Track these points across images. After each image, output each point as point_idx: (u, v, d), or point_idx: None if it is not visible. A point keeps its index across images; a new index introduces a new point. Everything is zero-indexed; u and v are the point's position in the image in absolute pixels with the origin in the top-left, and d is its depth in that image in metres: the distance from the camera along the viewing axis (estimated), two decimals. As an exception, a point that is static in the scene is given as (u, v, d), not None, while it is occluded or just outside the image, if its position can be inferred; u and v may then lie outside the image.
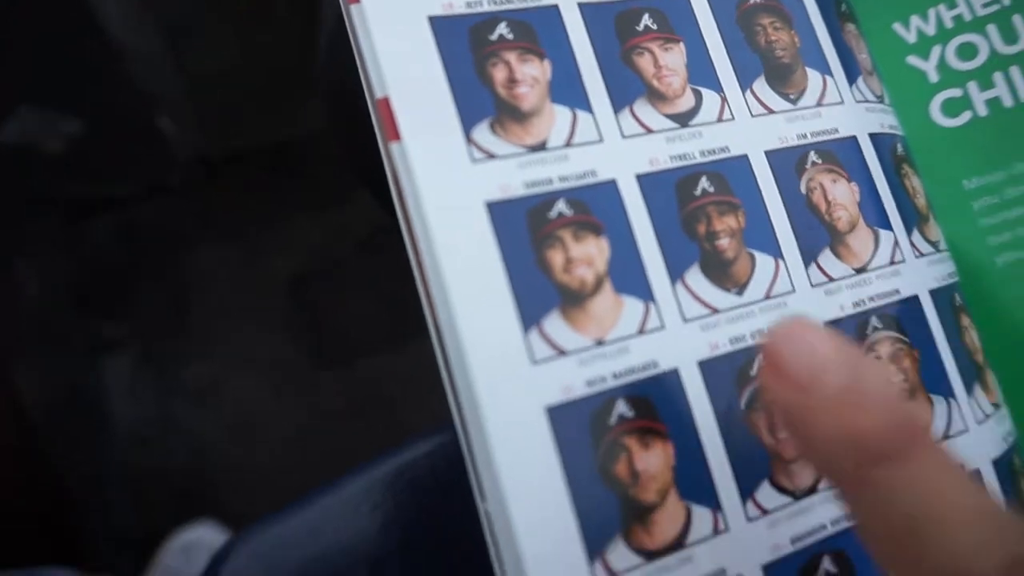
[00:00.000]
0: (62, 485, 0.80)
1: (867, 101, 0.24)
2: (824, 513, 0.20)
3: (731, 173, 0.21)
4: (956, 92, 0.27)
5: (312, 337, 0.95)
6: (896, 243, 0.23)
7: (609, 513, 0.18)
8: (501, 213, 0.18)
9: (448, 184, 0.18)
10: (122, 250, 1.00)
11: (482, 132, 0.19)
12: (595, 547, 0.17)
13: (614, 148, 0.20)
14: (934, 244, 0.24)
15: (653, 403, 0.19)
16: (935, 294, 0.23)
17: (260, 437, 0.85)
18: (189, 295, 0.98)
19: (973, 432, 0.22)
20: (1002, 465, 0.22)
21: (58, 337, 0.93)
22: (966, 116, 0.27)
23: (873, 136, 0.23)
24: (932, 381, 0.22)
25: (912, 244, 0.23)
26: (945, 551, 0.12)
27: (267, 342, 0.95)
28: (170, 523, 0.78)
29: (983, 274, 0.26)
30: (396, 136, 0.18)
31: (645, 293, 0.19)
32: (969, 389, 0.23)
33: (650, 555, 0.18)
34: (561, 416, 0.18)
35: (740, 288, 0.20)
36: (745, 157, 0.21)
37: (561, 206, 0.19)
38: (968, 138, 0.27)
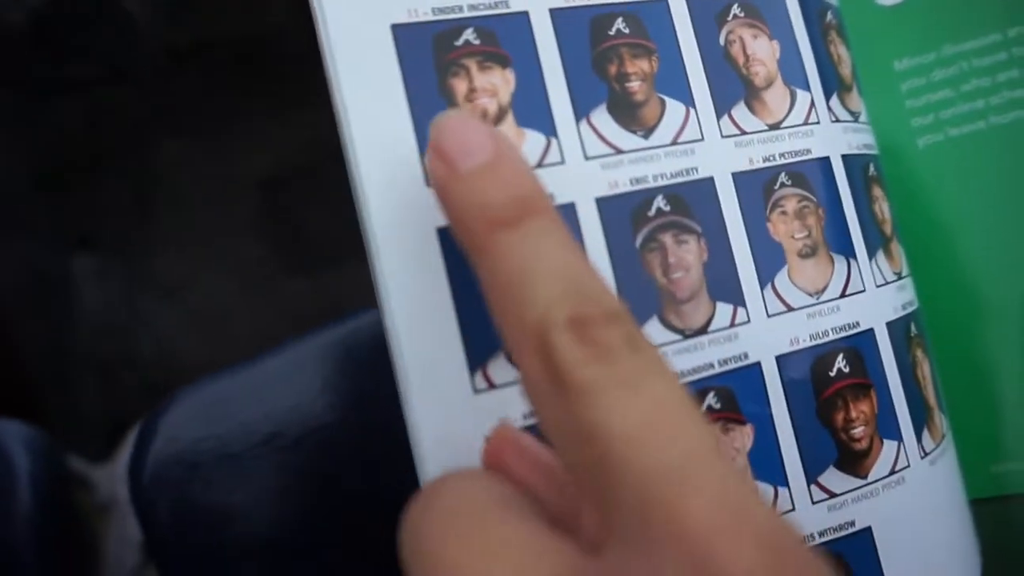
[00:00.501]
0: (26, 373, 0.82)
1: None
2: (712, 353, 0.21)
3: (648, 16, 0.21)
4: (897, -33, 0.27)
5: (281, 240, 0.95)
6: (813, 104, 0.23)
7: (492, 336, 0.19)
8: (406, 36, 0.19)
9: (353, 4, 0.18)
10: (86, 136, 0.98)
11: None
12: (476, 361, 0.18)
13: None
14: (853, 114, 0.24)
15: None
16: (847, 159, 0.23)
17: (227, 334, 0.86)
18: (156, 188, 0.97)
19: (870, 293, 0.23)
20: (897, 329, 0.23)
21: (20, 221, 0.93)
22: (905, -7, 0.27)
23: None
24: (835, 241, 0.22)
25: (829, 108, 0.23)
26: (527, 302, 0.13)
27: (236, 242, 0.94)
28: (137, 414, 0.80)
29: (903, 154, 0.26)
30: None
31: (548, 128, 0.20)
32: (872, 254, 0.23)
33: (536, 375, 0.19)
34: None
35: (647, 132, 0.21)
36: (664, 3, 0.21)
37: (469, 35, 0.19)
38: (904, 18, 0.27)
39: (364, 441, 0.36)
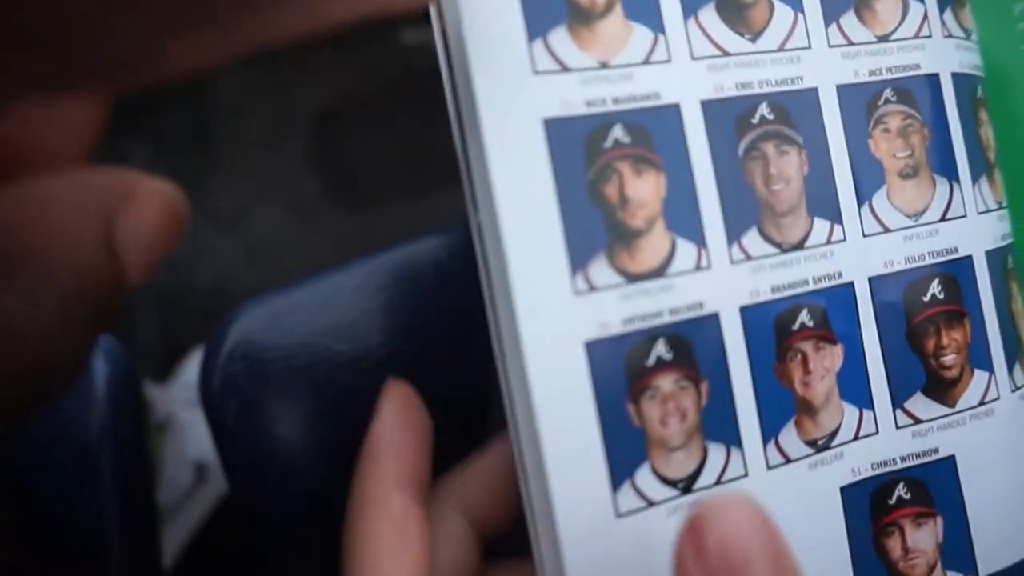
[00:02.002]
0: None
1: None
2: (808, 269, 0.20)
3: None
4: None
5: (334, 176, 0.95)
6: (926, 16, 0.22)
7: (595, 231, 0.18)
8: None
9: None
10: None
11: None
12: (579, 261, 0.18)
13: None
14: (966, 31, 0.23)
15: (650, 132, 0.19)
16: (957, 78, 0.22)
17: (280, 267, 0.87)
18: (212, 122, 0.98)
19: (971, 219, 0.22)
20: (995, 259, 0.22)
21: None
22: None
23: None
24: (938, 162, 0.22)
25: (943, 22, 0.22)
26: None
27: (290, 176, 0.95)
28: (192, 341, 0.82)
29: (1010, 77, 0.25)
30: None
31: (656, 24, 0.19)
32: (975, 179, 0.22)
33: (632, 277, 0.18)
34: (558, 131, 0.18)
35: (754, 35, 0.20)
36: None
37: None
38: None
39: (419, 364, 0.36)
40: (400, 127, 0.89)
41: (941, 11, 0.22)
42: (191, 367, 0.83)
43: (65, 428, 0.37)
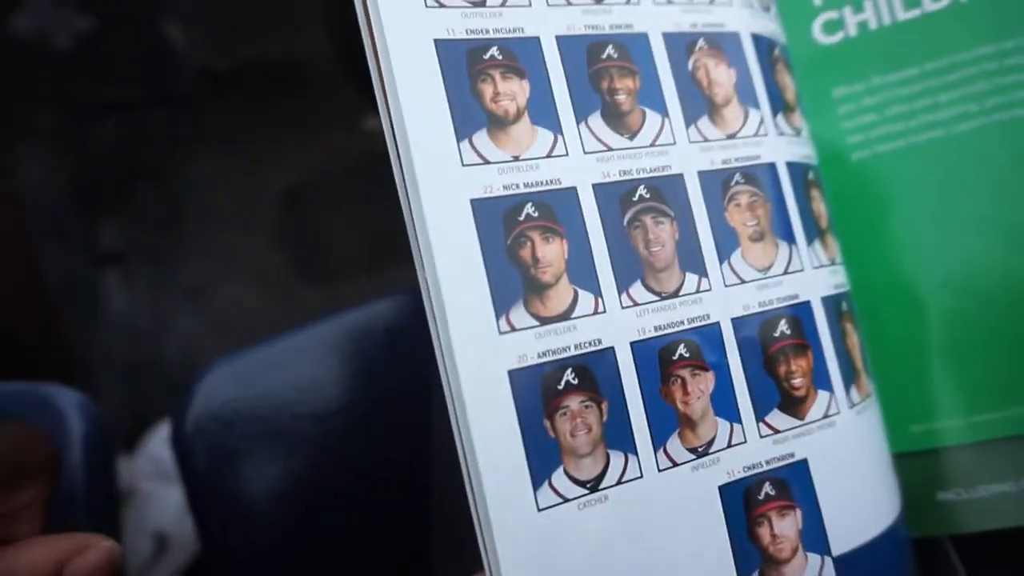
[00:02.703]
0: (54, 371, 0.84)
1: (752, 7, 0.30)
2: (683, 312, 0.26)
3: (632, 45, 0.26)
4: (834, 14, 0.33)
5: (300, 251, 1.00)
6: (762, 120, 0.28)
7: (514, 285, 0.23)
8: (446, 51, 0.24)
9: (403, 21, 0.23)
10: (125, 152, 1.04)
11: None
12: (502, 307, 0.23)
13: (540, 13, 0.25)
14: (796, 129, 0.30)
15: (553, 208, 0.24)
16: (790, 165, 0.29)
17: (245, 339, 0.90)
18: (187, 201, 1.02)
19: (808, 273, 0.28)
20: (830, 303, 0.28)
21: (57, 231, 0.97)
22: (840, 35, 0.33)
23: (755, 36, 0.29)
24: (779, 229, 0.28)
25: (776, 124, 0.29)
26: None
27: (257, 252, 0.99)
28: (158, 413, 0.83)
29: (840, 165, 0.32)
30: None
31: (555, 127, 0.25)
32: (810, 242, 0.29)
33: (544, 320, 0.24)
34: (482, 209, 0.23)
35: (632, 135, 0.26)
36: (645, 36, 0.27)
37: (494, 51, 0.24)
38: (840, 54, 0.33)
39: (372, 414, 0.40)
40: (362, 206, 0.95)
41: (774, 115, 0.29)
42: (156, 439, 0.84)
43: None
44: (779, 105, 0.29)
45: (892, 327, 0.31)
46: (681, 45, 0.27)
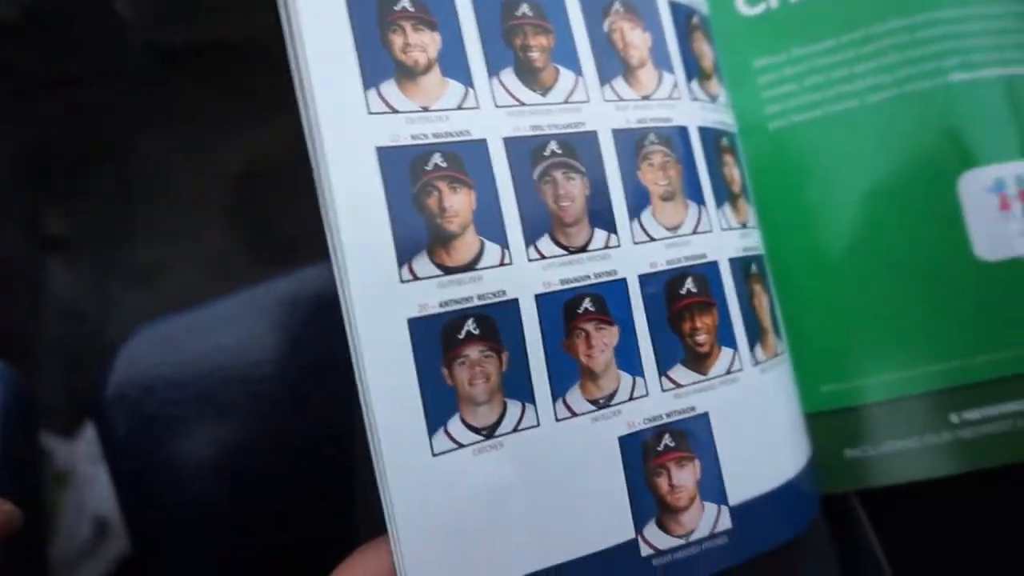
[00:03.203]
0: None
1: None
2: (590, 267, 0.26)
3: (548, 6, 0.27)
4: (755, -13, 0.33)
5: (253, 233, 0.98)
6: (676, 85, 0.29)
7: (419, 233, 0.24)
8: (354, 2, 0.24)
9: None
10: (71, 130, 1.01)
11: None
12: (405, 256, 0.23)
13: None
14: (711, 96, 0.31)
15: (462, 160, 0.25)
16: (702, 130, 0.29)
17: None
18: (135, 181, 1.00)
19: (716, 234, 0.29)
20: (737, 265, 0.29)
21: (1, 206, 0.94)
22: (762, 7, 0.33)
23: (673, 3, 0.30)
24: (689, 190, 0.29)
25: (690, 89, 0.29)
26: None
27: (208, 234, 0.97)
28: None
29: (759, 134, 0.33)
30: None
31: (466, 80, 0.25)
32: (719, 204, 0.29)
33: (448, 270, 0.24)
34: (388, 157, 0.24)
35: (544, 91, 0.26)
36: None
37: (406, 3, 0.25)
38: (761, 25, 0.33)
39: (298, 380, 0.40)
40: (314, 189, 0.95)
41: (688, 80, 0.29)
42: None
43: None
44: (694, 71, 0.30)
45: (805, 290, 0.32)
46: (597, 7, 0.28)
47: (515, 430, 0.24)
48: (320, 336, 0.41)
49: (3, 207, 0.98)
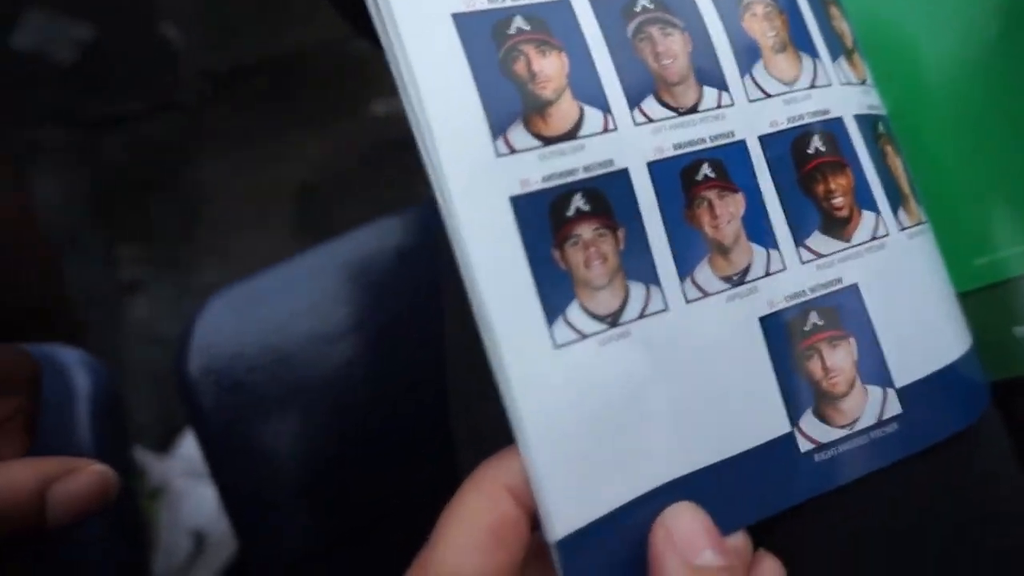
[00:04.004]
0: None
1: None
2: (704, 129, 0.23)
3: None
4: None
5: (319, 243, 0.99)
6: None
7: (510, 101, 0.21)
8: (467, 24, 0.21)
9: None
10: (134, 164, 1.04)
11: None
12: (499, 127, 0.21)
13: None
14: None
15: (546, 21, 0.22)
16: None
17: None
18: (199, 205, 1.02)
19: (836, 88, 0.25)
20: (864, 123, 0.26)
21: (78, 246, 0.97)
22: None
23: None
24: (800, 40, 0.25)
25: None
26: None
27: (276, 249, 0.98)
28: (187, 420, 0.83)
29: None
30: None
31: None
32: (835, 58, 0.26)
33: (547, 140, 0.21)
34: (465, 23, 0.21)
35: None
36: None
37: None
38: None
39: (384, 334, 0.38)
40: (377, 192, 0.94)
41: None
42: (187, 441, 0.83)
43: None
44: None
45: (937, 154, 0.28)
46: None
47: (642, 315, 0.21)
48: (400, 289, 0.39)
49: (79, 243, 1.01)
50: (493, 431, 0.20)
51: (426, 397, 0.33)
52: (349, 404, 0.37)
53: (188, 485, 0.82)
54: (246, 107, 1.07)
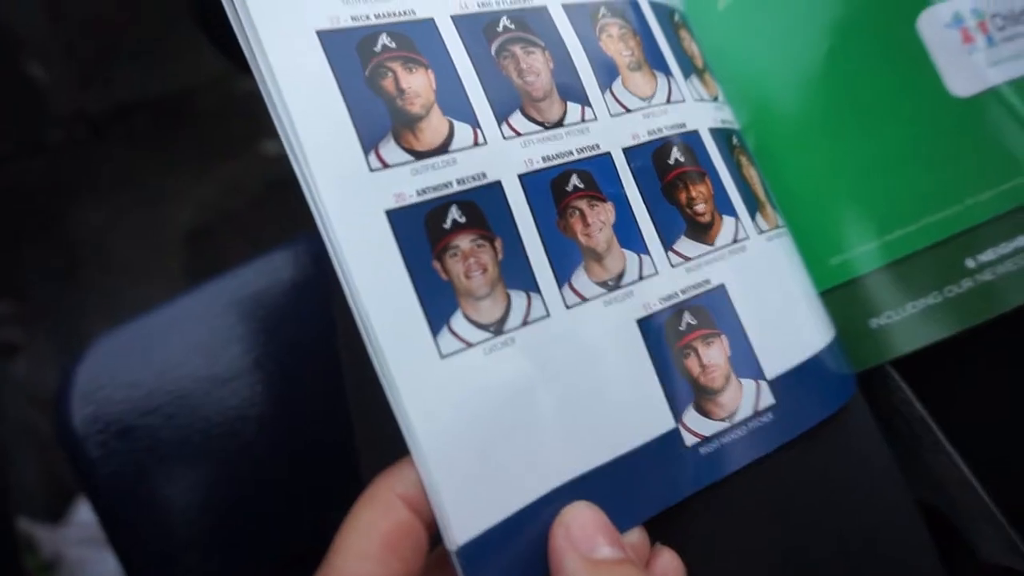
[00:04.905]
0: None
1: None
2: (571, 143, 0.24)
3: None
4: None
5: None
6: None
7: (380, 118, 0.21)
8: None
9: None
10: (6, 212, 0.94)
11: None
12: (370, 142, 0.21)
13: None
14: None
15: (412, 40, 0.22)
16: (654, 4, 0.28)
17: None
18: (82, 253, 0.93)
19: (690, 104, 0.27)
20: (719, 136, 0.27)
21: None
22: None
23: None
24: (654, 60, 0.27)
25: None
26: None
27: (167, 295, 0.92)
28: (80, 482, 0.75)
29: (708, 12, 0.32)
30: None
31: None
32: (686, 75, 0.28)
33: (419, 155, 0.21)
34: (331, 40, 0.21)
35: (486, -35, 0.24)
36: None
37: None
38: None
39: (281, 366, 0.36)
40: (270, 233, 0.90)
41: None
42: (83, 508, 0.76)
43: None
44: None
45: (788, 163, 0.30)
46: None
47: (524, 323, 0.21)
48: (295, 318, 0.37)
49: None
50: (391, 443, 0.20)
51: (331, 429, 0.32)
52: (251, 443, 0.35)
53: (85, 553, 0.74)
54: (127, 148, 1.01)
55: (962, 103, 0.29)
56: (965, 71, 0.29)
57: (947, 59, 0.30)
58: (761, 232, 0.27)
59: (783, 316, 0.26)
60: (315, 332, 0.34)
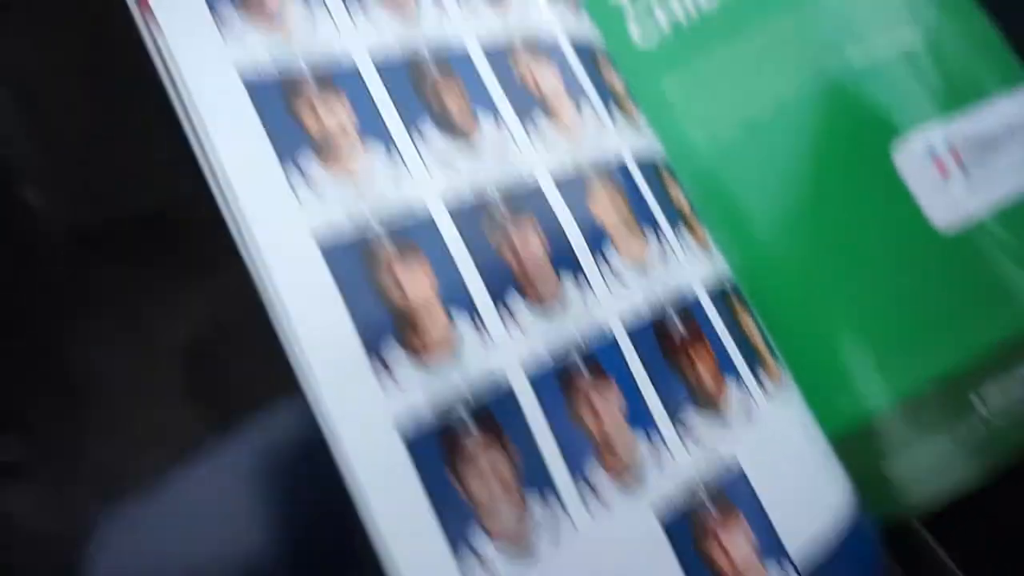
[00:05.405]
0: None
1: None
2: (573, 326, 0.22)
3: (455, 61, 0.24)
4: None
5: (218, 408, 0.88)
6: (596, 113, 0.27)
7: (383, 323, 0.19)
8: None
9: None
10: None
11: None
12: (373, 345, 0.19)
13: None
14: (632, 121, 0.28)
15: (415, 240, 0.21)
16: (636, 156, 0.27)
17: None
18: (78, 380, 0.86)
19: (682, 258, 0.26)
20: (716, 292, 0.27)
21: None
22: (655, 40, 0.32)
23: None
24: (642, 216, 0.26)
25: (611, 116, 0.27)
26: None
27: (171, 415, 0.85)
28: None
29: (686, 158, 0.31)
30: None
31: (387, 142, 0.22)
32: (675, 226, 0.27)
33: (424, 359, 0.20)
34: (334, 251, 0.20)
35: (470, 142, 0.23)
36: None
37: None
38: (661, 53, 0.32)
39: (300, 529, 0.33)
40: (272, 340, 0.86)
41: (607, 108, 0.27)
42: None
43: None
44: (609, 97, 0.28)
45: (783, 311, 0.30)
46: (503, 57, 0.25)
47: (549, 540, 0.20)
48: (306, 477, 0.34)
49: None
50: None
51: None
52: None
53: None
54: (120, 264, 0.95)
55: (948, 237, 0.29)
56: (945, 204, 0.30)
57: (927, 193, 0.30)
58: (765, 390, 0.26)
59: (802, 483, 0.25)
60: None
